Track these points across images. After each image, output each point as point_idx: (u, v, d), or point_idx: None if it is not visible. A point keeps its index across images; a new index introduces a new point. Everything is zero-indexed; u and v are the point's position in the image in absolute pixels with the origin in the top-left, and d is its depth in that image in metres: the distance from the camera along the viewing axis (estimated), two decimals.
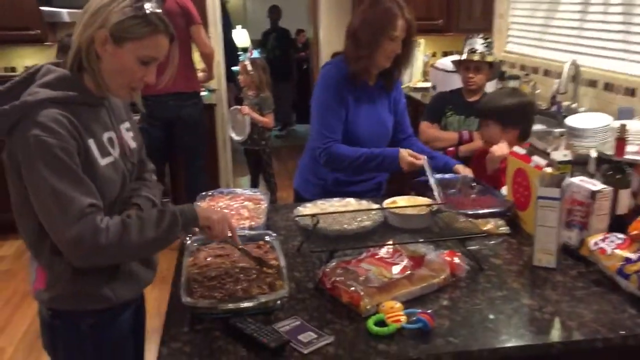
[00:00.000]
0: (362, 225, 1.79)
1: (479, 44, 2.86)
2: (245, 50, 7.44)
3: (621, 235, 1.53)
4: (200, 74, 4.10)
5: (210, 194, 2.01)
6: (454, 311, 1.38)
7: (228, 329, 1.29)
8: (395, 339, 1.26)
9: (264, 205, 1.93)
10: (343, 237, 1.74)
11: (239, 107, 4.57)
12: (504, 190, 2.02)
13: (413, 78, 4.88)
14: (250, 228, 1.75)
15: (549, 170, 1.70)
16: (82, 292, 1.37)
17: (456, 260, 1.54)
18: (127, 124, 1.51)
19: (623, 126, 1.71)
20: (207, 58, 3.98)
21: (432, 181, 1.95)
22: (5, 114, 1.24)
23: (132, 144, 1.51)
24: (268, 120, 4.57)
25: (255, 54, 4.99)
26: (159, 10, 1.31)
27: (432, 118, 2.93)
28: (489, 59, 2.86)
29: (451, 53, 4.91)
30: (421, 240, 1.64)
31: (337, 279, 1.43)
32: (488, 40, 2.90)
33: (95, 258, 1.28)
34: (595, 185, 1.61)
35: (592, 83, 3.28)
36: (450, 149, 2.71)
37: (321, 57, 5.24)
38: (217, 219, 1.41)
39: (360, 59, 2.10)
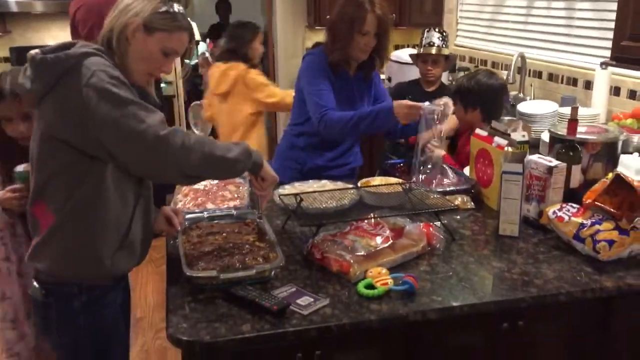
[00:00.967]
0: (340, 204, 1.90)
1: (435, 37, 3.03)
2: (198, 43, 7.41)
3: (575, 205, 1.71)
4: None
5: None
6: (433, 275, 1.52)
7: (230, 297, 1.38)
8: (384, 300, 1.39)
9: (245, 187, 2.01)
10: (324, 214, 1.85)
11: (199, 102, 4.60)
12: (466, 170, 2.18)
13: None
14: (236, 208, 1.83)
15: (510, 149, 1.87)
16: (81, 253, 1.42)
17: (432, 230, 1.68)
18: None
19: (575, 109, 1.90)
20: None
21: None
22: (60, 60, 1.34)
23: None
24: None
25: (202, 47, 4.98)
26: (184, 12, 1.48)
27: None
28: (446, 52, 3.03)
29: (404, 46, 5.10)
30: (399, 213, 1.77)
31: (327, 249, 1.54)
32: (444, 35, 3.07)
33: (180, 158, 1.34)
34: (552, 162, 1.79)
35: (538, 74, 3.53)
36: (413, 136, 2.86)
37: (277, 51, 5.31)
38: (273, 177, 1.56)
39: (334, 51, 2.22)
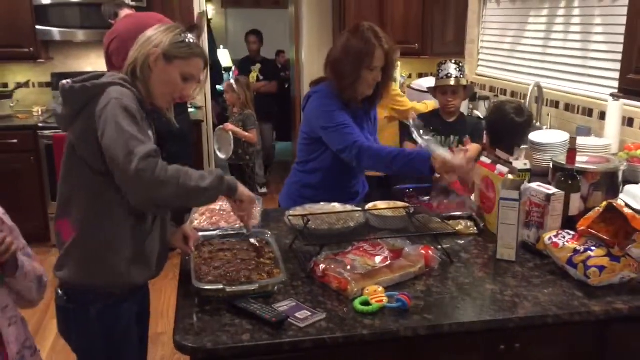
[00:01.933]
0: (347, 226, 2.00)
1: (452, 69, 3.06)
2: (228, 70, 7.65)
3: (571, 232, 1.77)
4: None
5: None
6: (428, 295, 1.60)
7: (233, 309, 1.49)
8: (378, 316, 1.47)
9: (258, 207, 2.13)
10: (330, 235, 1.95)
11: (222, 126, 4.79)
12: (474, 197, 2.26)
13: None
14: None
15: (510, 176, 1.95)
16: (98, 264, 1.56)
17: (430, 253, 1.76)
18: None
19: (573, 139, 1.97)
20: None
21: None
22: (87, 89, 1.53)
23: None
24: (252, 135, 4.81)
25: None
26: (197, 41, 1.67)
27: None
28: (463, 82, 3.06)
29: (426, 74, 5.22)
30: (399, 235, 1.85)
31: (327, 267, 1.64)
32: (460, 65, 3.11)
33: (153, 191, 1.46)
34: (550, 189, 1.86)
35: (554, 104, 3.59)
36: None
37: (303, 78, 5.49)
38: (250, 197, 1.67)
39: (344, 90, 2.23)
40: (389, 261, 1.67)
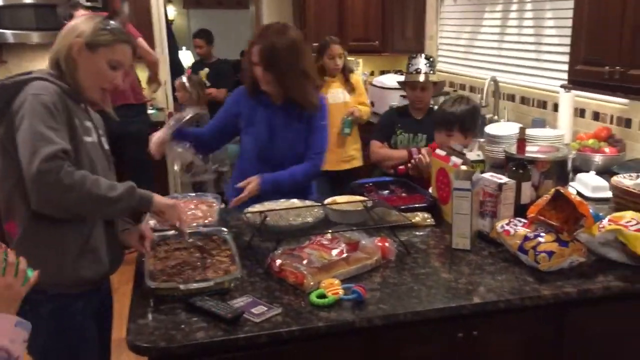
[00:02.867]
0: (305, 221, 2.00)
1: (422, 64, 2.99)
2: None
3: (522, 220, 1.81)
4: (151, 89, 4.25)
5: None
6: (384, 286, 1.61)
7: (188, 307, 1.48)
8: (334, 308, 1.48)
9: (216, 206, 2.12)
10: (289, 231, 1.95)
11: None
12: (431, 189, 2.29)
13: None
14: (205, 225, 1.94)
15: (464, 167, 1.98)
16: (43, 261, 1.48)
17: (387, 245, 1.78)
18: (102, 132, 1.72)
19: (523, 129, 2.02)
20: (153, 66, 4.14)
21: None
22: (6, 87, 1.52)
23: (107, 147, 1.73)
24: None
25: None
26: (120, 27, 1.64)
27: (382, 137, 3.05)
28: (434, 78, 3.00)
29: (387, 71, 5.26)
30: (355, 228, 1.87)
31: (284, 262, 1.64)
32: (431, 60, 3.03)
33: (54, 194, 1.42)
34: (502, 179, 1.90)
35: (510, 97, 3.67)
36: (401, 167, 2.85)
37: None
38: (170, 205, 1.64)
39: (246, 78, 2.36)
40: (346, 254, 1.68)
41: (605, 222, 1.73)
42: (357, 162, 3.86)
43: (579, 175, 2.41)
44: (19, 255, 1.50)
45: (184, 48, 7.67)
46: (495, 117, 3.68)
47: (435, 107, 3.14)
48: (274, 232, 1.88)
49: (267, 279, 1.65)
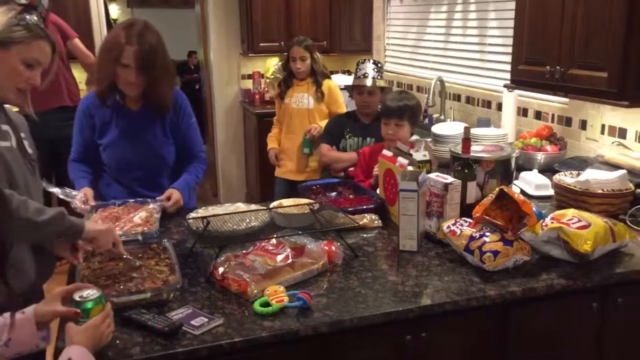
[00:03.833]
0: (250, 226, 1.94)
1: (370, 68, 2.97)
2: None
3: (468, 219, 1.81)
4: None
5: (103, 204, 2.07)
6: (331, 291, 1.57)
7: (124, 321, 1.39)
8: (278, 316, 1.43)
9: (156, 214, 2.03)
10: (233, 237, 1.88)
11: None
12: (379, 190, 2.27)
13: None
14: (143, 233, 1.84)
15: (410, 168, 1.96)
16: None
17: (333, 248, 1.74)
18: (25, 136, 1.59)
19: (467, 129, 2.02)
20: (90, 68, 3.97)
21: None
22: None
23: (30, 151, 1.61)
24: None
25: None
26: (38, 22, 1.50)
27: (332, 141, 3.04)
28: (381, 83, 2.99)
29: (336, 72, 5.24)
30: (300, 232, 1.82)
31: (226, 270, 1.57)
32: (379, 65, 3.02)
33: None
34: (448, 179, 1.89)
35: (456, 97, 3.71)
36: (351, 169, 2.85)
37: (212, 78, 5.36)
38: (102, 230, 1.53)
39: (100, 81, 2.12)
40: (291, 259, 1.63)
41: (547, 220, 1.74)
42: (319, 174, 3.56)
43: (523, 174, 2.45)
44: None
45: None
46: (442, 117, 3.71)
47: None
48: (217, 238, 1.80)
49: (209, 288, 1.58)
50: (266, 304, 1.46)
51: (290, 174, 3.64)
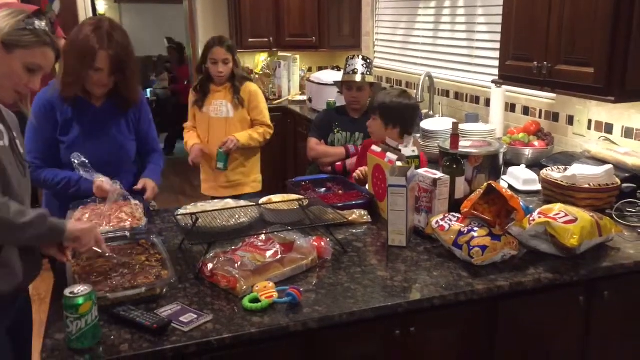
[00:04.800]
0: (239, 222, 1.94)
1: (359, 64, 2.96)
2: None
3: (456, 215, 1.82)
4: None
5: (83, 202, 2.04)
6: (320, 286, 1.58)
7: (112, 318, 1.38)
8: (268, 312, 1.43)
9: (140, 209, 2.01)
10: (223, 233, 1.88)
11: None
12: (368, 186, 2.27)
13: (291, 91, 5.13)
14: (131, 229, 1.83)
15: (399, 163, 1.97)
16: None
17: (323, 244, 1.74)
18: (16, 134, 1.58)
19: (456, 124, 2.02)
20: None
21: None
22: None
23: (22, 150, 1.59)
24: None
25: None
26: (47, 28, 1.48)
27: (320, 135, 3.01)
28: (370, 79, 2.98)
29: (325, 67, 5.25)
30: (290, 228, 1.82)
31: (216, 266, 1.57)
32: (368, 62, 3.01)
33: None
34: (436, 174, 1.90)
35: (445, 92, 3.72)
36: (338, 163, 2.87)
37: None
38: (86, 229, 1.51)
39: (68, 85, 2.05)
40: (280, 255, 1.63)
41: (535, 215, 1.76)
42: (247, 189, 3.18)
43: (511, 169, 2.46)
44: None
45: None
46: (431, 113, 3.72)
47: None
48: (207, 235, 1.80)
49: (198, 284, 1.58)
50: (255, 300, 1.46)
51: (209, 190, 3.21)
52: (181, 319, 1.38)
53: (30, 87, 1.49)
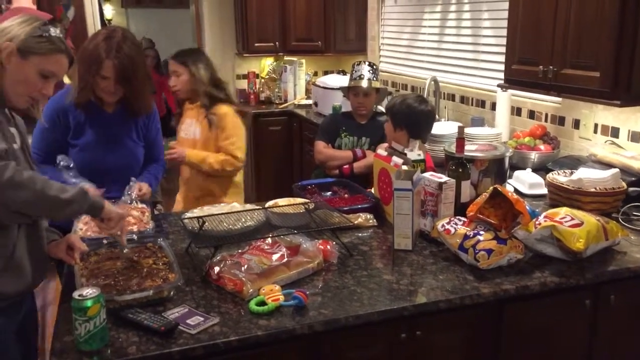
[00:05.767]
0: (246, 225, 1.95)
1: (365, 70, 2.97)
2: None
3: (462, 218, 1.82)
4: None
5: None
6: (326, 289, 1.58)
7: (120, 320, 1.40)
8: (274, 315, 1.44)
9: (148, 213, 2.03)
10: (229, 237, 1.89)
11: None
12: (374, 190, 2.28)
13: (297, 95, 5.15)
14: (139, 232, 1.85)
15: (404, 167, 1.98)
16: None
17: (329, 248, 1.75)
18: (25, 139, 1.61)
19: (462, 128, 2.03)
20: None
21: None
22: None
23: (30, 153, 1.63)
24: None
25: None
26: (62, 35, 1.52)
27: (327, 138, 3.04)
28: (376, 84, 2.98)
29: (331, 72, 5.26)
30: (296, 231, 1.83)
31: (222, 269, 1.58)
32: (374, 67, 3.02)
33: (3, 194, 1.33)
34: (442, 178, 1.90)
35: (451, 96, 3.72)
36: (346, 166, 2.88)
37: None
38: (120, 214, 1.58)
39: (81, 92, 2.11)
40: (286, 258, 1.64)
41: (541, 218, 1.76)
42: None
43: (516, 173, 2.46)
44: None
45: None
46: (436, 117, 3.72)
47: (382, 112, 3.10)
48: (214, 239, 1.81)
49: (204, 287, 1.59)
50: (262, 303, 1.47)
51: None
52: (188, 321, 1.39)
53: (43, 93, 1.52)
